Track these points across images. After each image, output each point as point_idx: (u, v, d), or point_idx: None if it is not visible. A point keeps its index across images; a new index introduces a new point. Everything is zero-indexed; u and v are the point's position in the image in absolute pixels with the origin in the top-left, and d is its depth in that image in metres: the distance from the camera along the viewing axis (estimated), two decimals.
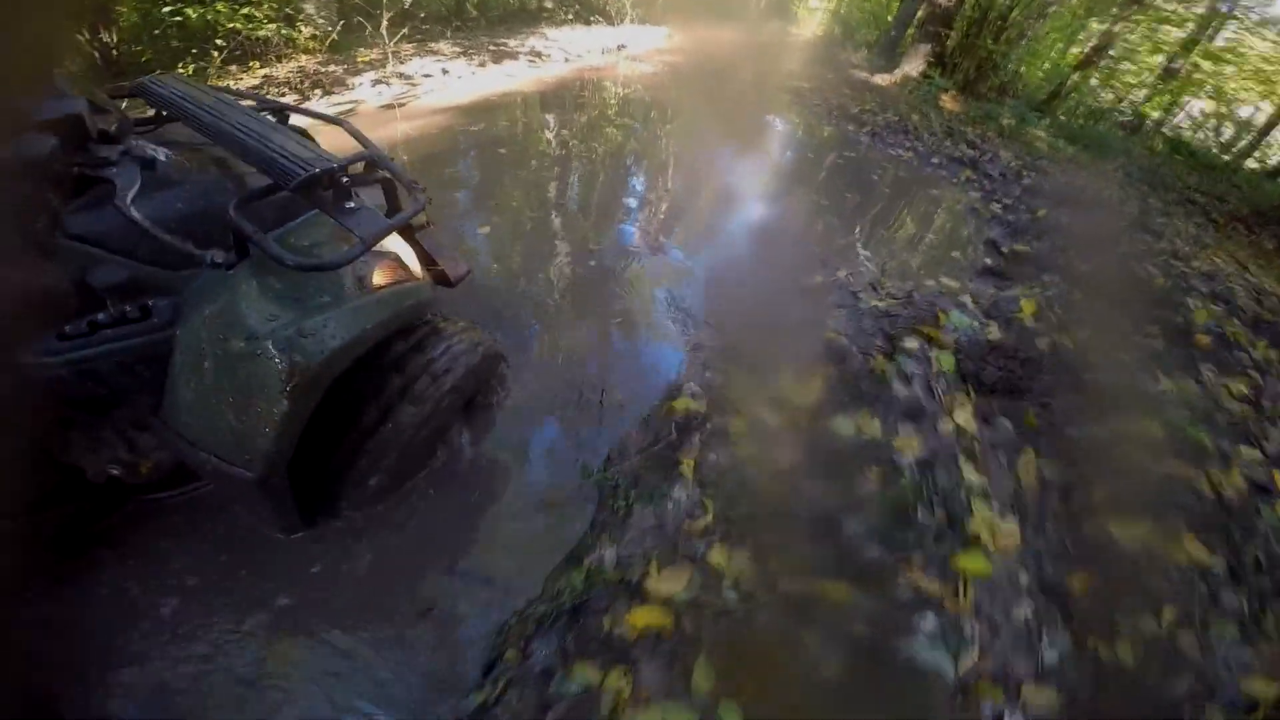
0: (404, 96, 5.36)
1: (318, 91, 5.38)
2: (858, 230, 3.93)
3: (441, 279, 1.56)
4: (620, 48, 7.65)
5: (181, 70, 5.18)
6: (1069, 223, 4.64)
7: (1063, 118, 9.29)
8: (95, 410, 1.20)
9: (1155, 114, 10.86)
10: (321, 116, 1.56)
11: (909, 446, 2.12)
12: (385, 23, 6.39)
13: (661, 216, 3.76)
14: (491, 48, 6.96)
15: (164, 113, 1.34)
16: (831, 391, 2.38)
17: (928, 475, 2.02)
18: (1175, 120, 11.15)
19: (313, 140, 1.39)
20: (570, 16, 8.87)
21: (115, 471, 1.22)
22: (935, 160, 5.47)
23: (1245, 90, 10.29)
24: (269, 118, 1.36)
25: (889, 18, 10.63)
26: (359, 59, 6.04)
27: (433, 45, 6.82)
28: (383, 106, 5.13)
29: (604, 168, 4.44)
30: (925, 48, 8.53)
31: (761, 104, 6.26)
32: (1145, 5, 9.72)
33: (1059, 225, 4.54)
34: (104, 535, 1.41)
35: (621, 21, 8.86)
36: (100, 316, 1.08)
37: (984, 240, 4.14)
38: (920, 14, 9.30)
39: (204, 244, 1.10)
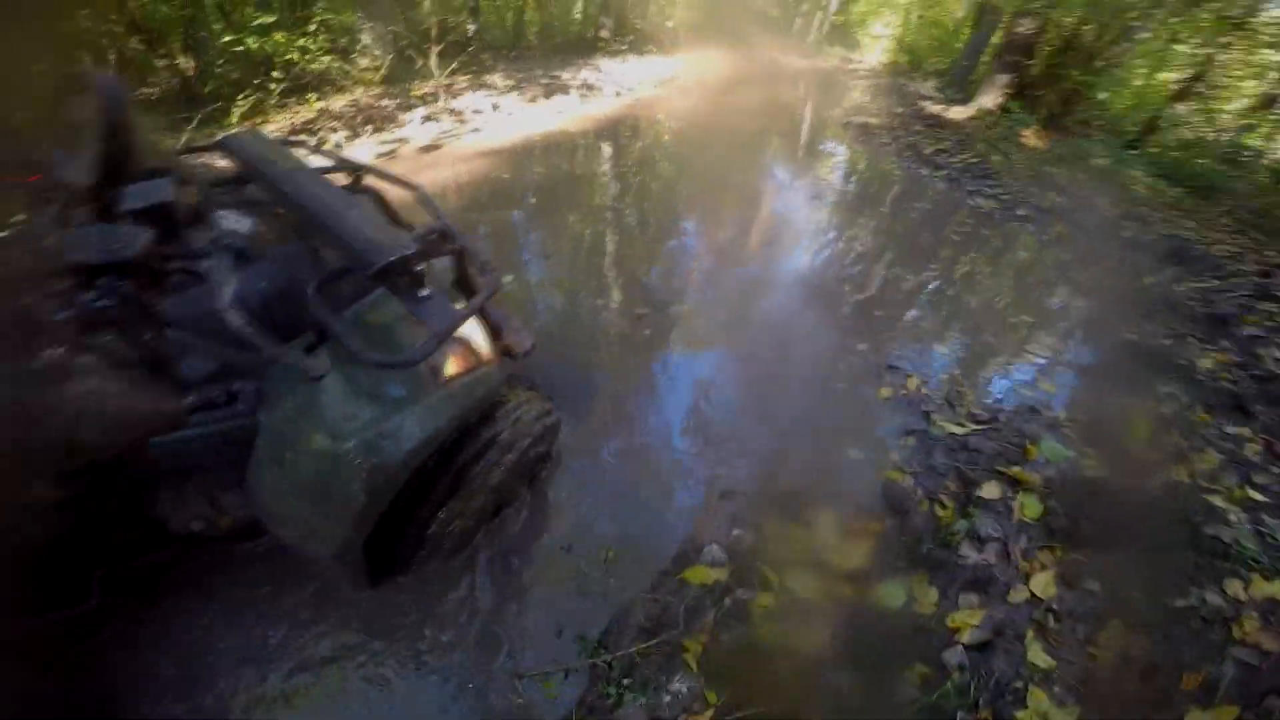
0: (450, 134, 5.12)
1: (369, 127, 5.22)
2: (932, 310, 3.38)
3: (507, 352, 1.53)
4: (672, 79, 7.29)
5: (242, 101, 5.10)
6: (1182, 293, 3.95)
7: (1154, 151, 8.39)
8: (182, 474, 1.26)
9: (1255, 143, 9.72)
10: (397, 180, 1.49)
11: (967, 625, 1.72)
12: (435, 56, 6.23)
13: (704, 289, 3.29)
14: (544, 80, 6.71)
15: (244, 175, 1.32)
16: (884, 551, 1.94)
17: (980, 671, 1.62)
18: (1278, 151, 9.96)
19: (385, 202, 1.40)
20: (625, 47, 8.58)
21: (198, 527, 1.28)
22: (1021, 211, 4.83)
23: None
24: (343, 186, 1.34)
25: (959, 45, 9.96)
26: (412, 92, 5.86)
27: (486, 77, 6.63)
28: (427, 147, 4.90)
29: (646, 224, 4.02)
30: (1003, 78, 7.83)
31: (824, 144, 5.76)
32: (1245, 28, 8.74)
33: (1171, 297, 3.86)
34: (188, 579, 1.47)
35: (675, 50, 8.53)
36: (188, 401, 1.10)
37: (1083, 322, 3.51)
38: (997, 41, 8.61)
39: (285, 321, 1.12)
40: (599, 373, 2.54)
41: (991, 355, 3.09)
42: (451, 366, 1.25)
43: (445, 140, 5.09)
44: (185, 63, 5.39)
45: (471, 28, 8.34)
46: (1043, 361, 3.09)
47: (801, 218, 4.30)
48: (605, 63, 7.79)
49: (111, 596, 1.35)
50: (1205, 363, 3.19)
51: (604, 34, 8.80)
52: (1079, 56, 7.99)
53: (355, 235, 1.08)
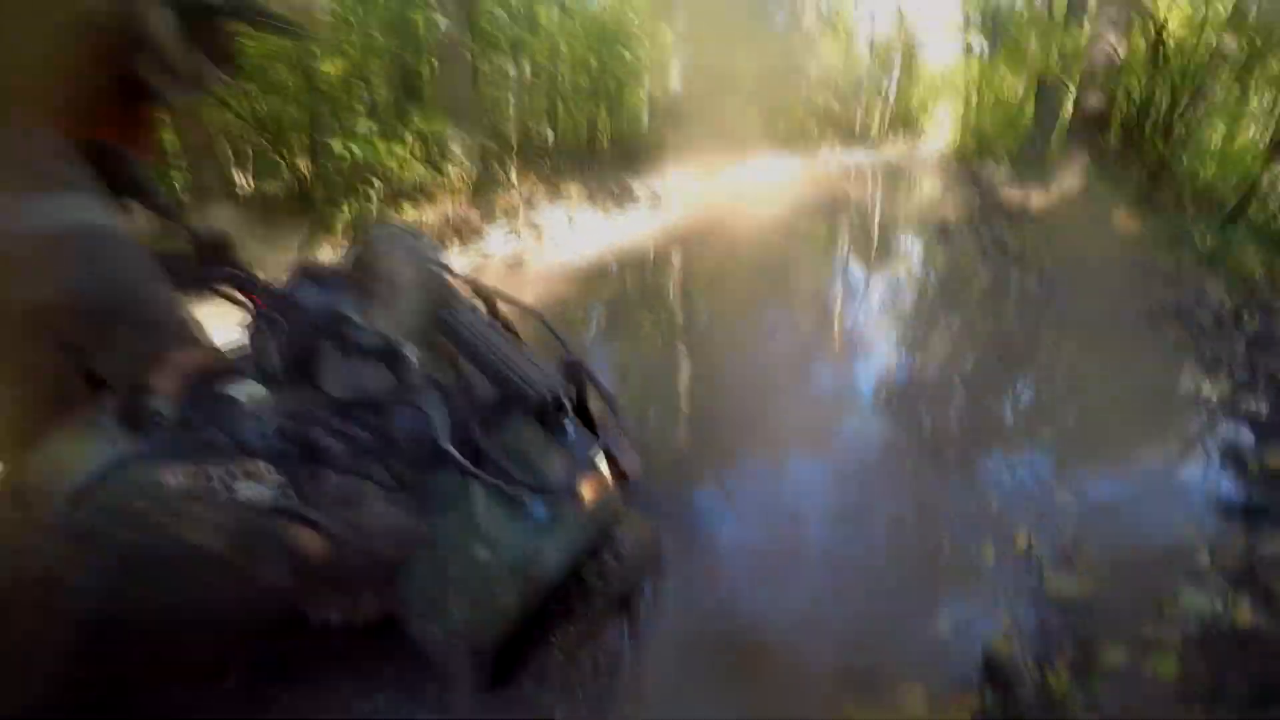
0: (531, 251, 5.37)
1: (456, 240, 5.54)
2: (1043, 443, 3.07)
3: (621, 475, 1.48)
4: (739, 184, 7.45)
5: (346, 209, 5.35)
6: None
7: (1259, 220, 7.68)
8: None
9: None
10: (525, 308, 1.52)
11: None
12: (515, 173, 6.59)
13: (777, 417, 3.11)
14: (615, 189, 7.03)
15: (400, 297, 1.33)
16: None
17: None
18: None
19: (513, 328, 1.44)
20: (694, 153, 8.91)
21: (335, 619, 1.20)
22: (1128, 314, 4.45)
23: None
24: (484, 312, 1.41)
25: (1026, 123, 9.74)
26: (496, 203, 6.20)
27: (563, 186, 6.99)
28: (512, 264, 5.12)
29: (720, 341, 3.97)
30: (1081, 156, 7.53)
31: (901, 246, 5.62)
32: None
33: None
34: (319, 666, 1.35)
35: (741, 154, 8.77)
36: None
37: (1220, 446, 3.08)
38: (1067, 117, 8.35)
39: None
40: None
41: (1118, 494, 2.72)
42: (587, 493, 1.29)
43: (527, 256, 5.32)
44: (304, 163, 5.73)
45: (550, 134, 8.92)
46: (1180, 500, 2.69)
47: (882, 333, 4.13)
48: (672, 170, 8.11)
49: (246, 676, 1.25)
50: None
51: (676, 140, 9.22)
52: (1156, 126, 7.58)
53: (515, 372, 1.18)
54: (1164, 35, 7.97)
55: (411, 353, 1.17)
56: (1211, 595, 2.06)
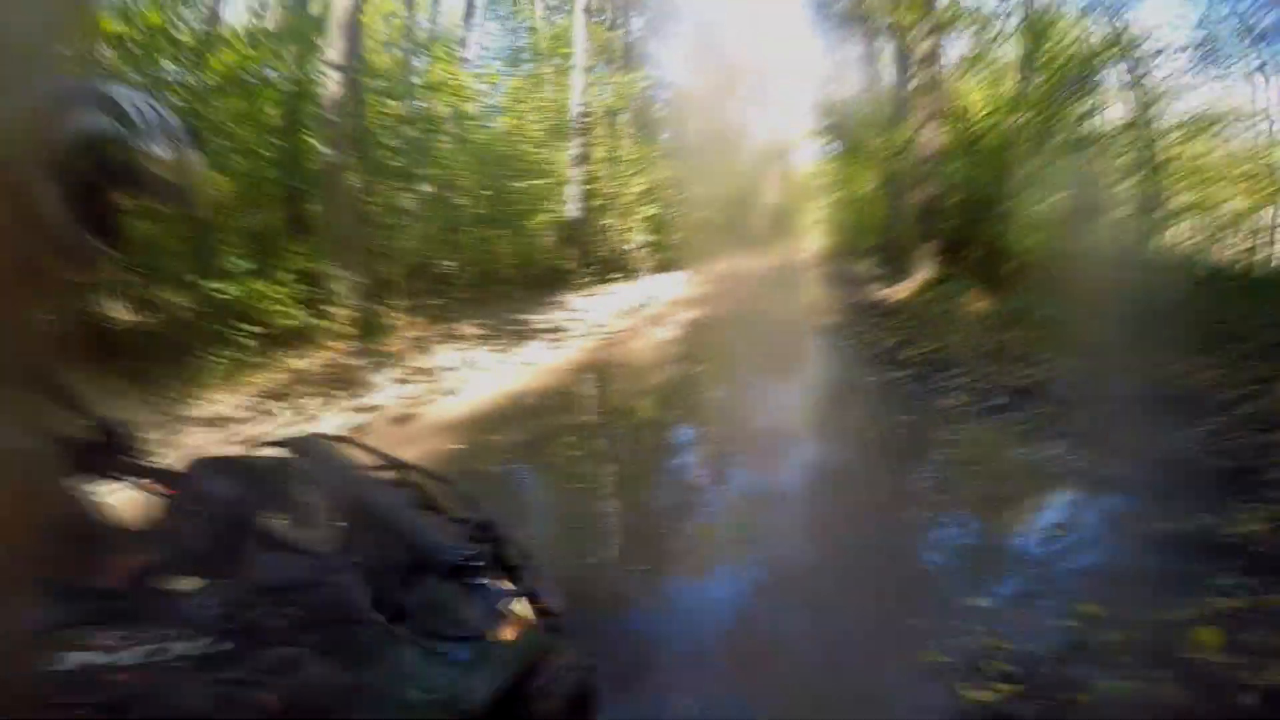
0: (423, 400, 5.07)
1: (343, 392, 5.15)
2: (939, 553, 3.06)
3: (544, 612, 1.60)
4: (639, 307, 7.66)
5: (221, 357, 4.87)
6: (1201, 449, 3.68)
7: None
8: None
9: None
10: (437, 477, 1.65)
11: None
12: (402, 315, 6.24)
13: (689, 553, 3.04)
14: (512, 326, 6.98)
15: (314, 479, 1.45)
16: None
17: None
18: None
19: (426, 492, 1.54)
20: (587, 278, 9.16)
21: None
22: (998, 400, 4.74)
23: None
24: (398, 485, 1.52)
25: (881, 216, 10.69)
26: (383, 348, 5.88)
27: (455, 327, 6.77)
28: (400, 417, 4.80)
29: (618, 474, 3.86)
30: (929, 246, 8.25)
31: (791, 364, 5.84)
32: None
33: (1197, 461, 3.56)
34: None
35: (638, 274, 9.14)
36: None
37: (1106, 517, 3.18)
38: (913, 210, 9.10)
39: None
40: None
41: (1017, 593, 2.67)
42: (508, 634, 1.44)
43: (418, 408, 5.01)
44: (179, 300, 5.07)
45: (451, 265, 8.56)
46: (1074, 584, 2.69)
47: (779, 440, 4.12)
48: (573, 298, 8.25)
49: None
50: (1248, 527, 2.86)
51: (570, 265, 9.47)
52: (980, 207, 8.38)
53: (423, 540, 1.32)
54: (968, 122, 9.21)
55: (326, 540, 1.27)
56: (1124, 677, 1.98)
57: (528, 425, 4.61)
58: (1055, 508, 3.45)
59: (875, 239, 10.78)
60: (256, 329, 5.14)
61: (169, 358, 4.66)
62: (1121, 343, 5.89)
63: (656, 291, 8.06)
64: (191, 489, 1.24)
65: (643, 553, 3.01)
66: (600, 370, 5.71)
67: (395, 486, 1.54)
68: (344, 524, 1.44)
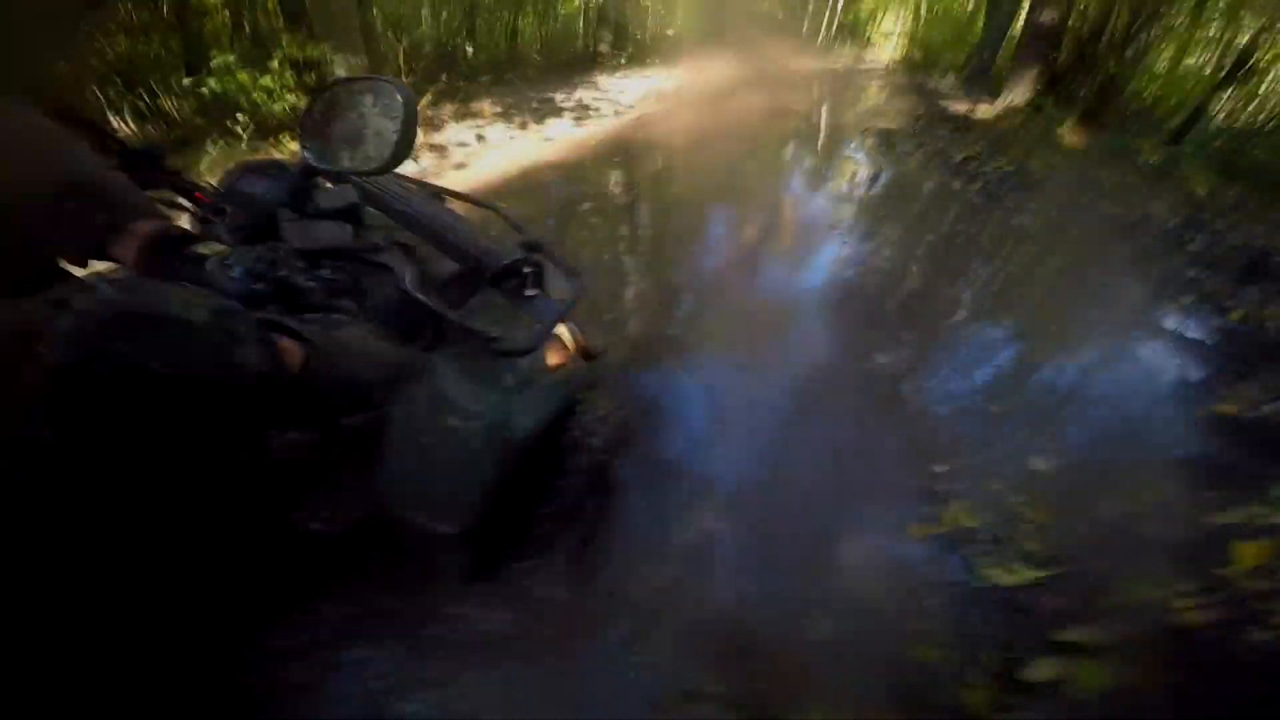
0: (429, 174, 4.52)
1: None
2: (981, 388, 2.63)
3: (586, 355, 1.57)
4: (675, 91, 6.57)
5: (211, 147, 4.61)
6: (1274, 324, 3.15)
7: (1201, 144, 7.38)
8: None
9: None
10: (478, 203, 1.56)
11: None
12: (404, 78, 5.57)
13: (728, 330, 2.69)
14: (536, 104, 6.08)
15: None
16: None
17: None
18: None
19: (469, 222, 1.41)
20: (624, 61, 7.88)
21: (316, 528, 1.22)
22: (1074, 230, 4.04)
23: None
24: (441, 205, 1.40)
25: (974, 38, 9.05)
26: None
27: (474, 104, 6.01)
28: None
29: (657, 248, 3.42)
30: (1031, 71, 6.94)
31: (842, 156, 5.01)
32: None
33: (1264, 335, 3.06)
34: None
35: (677, 61, 7.80)
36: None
37: (1169, 387, 2.73)
38: (1018, 32, 7.72)
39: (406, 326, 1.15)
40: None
41: (1058, 453, 2.27)
42: (553, 359, 1.36)
43: (427, 178, 4.47)
44: (168, 104, 4.96)
45: (469, 49, 7.74)
46: (1126, 454, 2.32)
47: (829, 236, 3.59)
48: (604, 80, 7.12)
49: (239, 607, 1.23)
50: None
51: (602, 48, 8.13)
52: (1110, 44, 7.07)
53: (472, 245, 1.21)
54: None
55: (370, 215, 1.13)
56: (1158, 582, 1.68)
57: (538, 197, 4.07)
58: (1112, 358, 2.98)
59: (959, 56, 9.12)
60: (245, 119, 4.77)
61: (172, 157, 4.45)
62: (1227, 207, 5.01)
63: (697, 79, 6.90)
64: (225, 187, 1.09)
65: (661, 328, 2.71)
66: (625, 148, 4.97)
67: (438, 203, 1.36)
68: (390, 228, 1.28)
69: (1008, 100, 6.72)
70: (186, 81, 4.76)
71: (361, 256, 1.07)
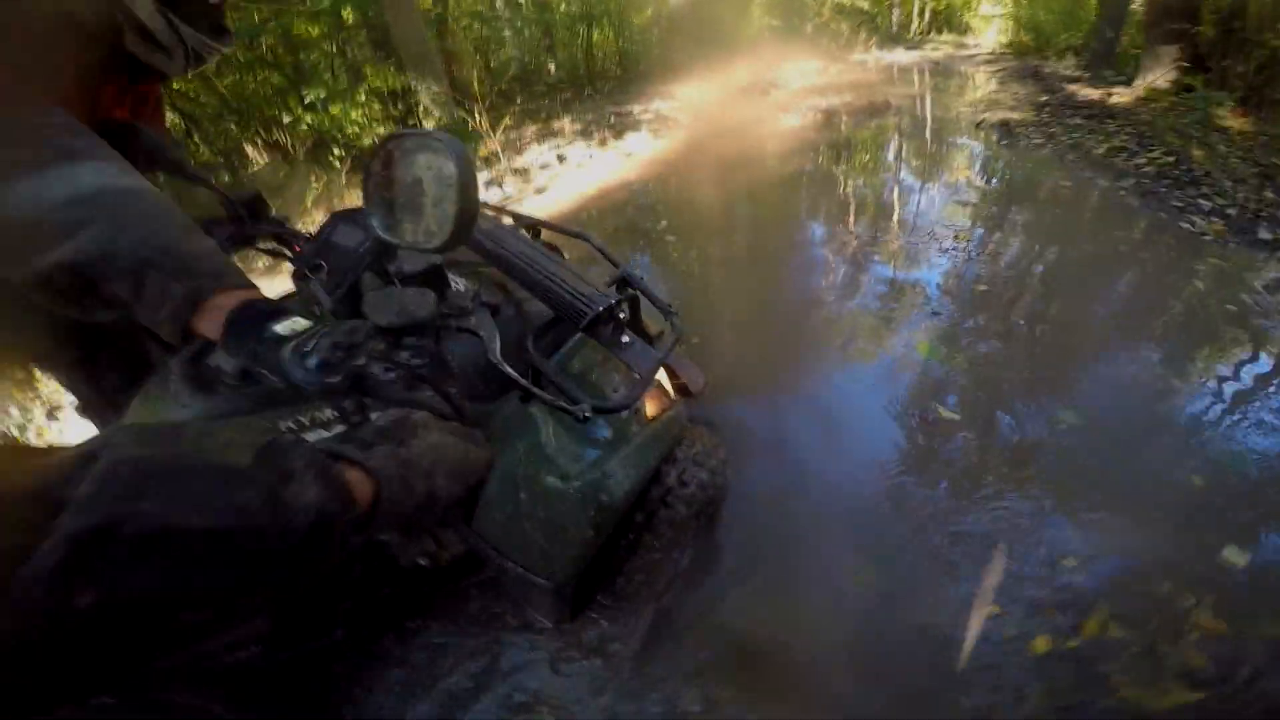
0: (512, 200, 4.38)
1: None
2: (1144, 450, 2.07)
3: (684, 391, 1.49)
4: (765, 94, 6.13)
5: (315, 185, 4.70)
6: None
7: None
8: None
9: None
10: (568, 232, 1.42)
11: None
12: (486, 113, 5.48)
13: (829, 348, 2.41)
14: (614, 119, 5.87)
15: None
16: None
17: None
18: None
19: (563, 255, 1.35)
20: (699, 66, 7.51)
21: (423, 562, 1.32)
22: (1264, 233, 3.28)
23: None
24: (532, 240, 1.33)
25: (1090, 16, 7.99)
26: (478, 153, 5.20)
27: (555, 124, 5.88)
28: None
29: (746, 265, 3.10)
30: (1170, 49, 5.98)
31: (959, 153, 4.41)
32: None
33: None
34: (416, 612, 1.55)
35: (759, 61, 7.33)
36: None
37: None
38: (1141, 6, 6.70)
39: (501, 383, 1.09)
40: None
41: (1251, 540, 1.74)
42: (651, 408, 1.29)
43: (509, 206, 4.34)
44: (281, 137, 5.14)
45: (551, 66, 7.69)
46: None
47: (942, 248, 3.09)
48: (680, 88, 6.82)
49: (353, 629, 1.35)
50: None
51: (679, 57, 7.80)
52: (1264, 13, 5.96)
53: (565, 288, 1.11)
54: None
55: (455, 275, 1.09)
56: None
57: (618, 218, 3.81)
58: None
59: (1075, 36, 8.08)
60: (340, 152, 4.98)
61: (273, 193, 4.52)
62: None
63: (789, 76, 6.41)
64: (320, 238, 1.09)
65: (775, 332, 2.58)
66: (712, 157, 4.63)
67: (530, 241, 1.29)
68: (471, 269, 1.23)
69: (1148, 82, 5.80)
70: (287, 119, 4.90)
71: (445, 324, 1.00)
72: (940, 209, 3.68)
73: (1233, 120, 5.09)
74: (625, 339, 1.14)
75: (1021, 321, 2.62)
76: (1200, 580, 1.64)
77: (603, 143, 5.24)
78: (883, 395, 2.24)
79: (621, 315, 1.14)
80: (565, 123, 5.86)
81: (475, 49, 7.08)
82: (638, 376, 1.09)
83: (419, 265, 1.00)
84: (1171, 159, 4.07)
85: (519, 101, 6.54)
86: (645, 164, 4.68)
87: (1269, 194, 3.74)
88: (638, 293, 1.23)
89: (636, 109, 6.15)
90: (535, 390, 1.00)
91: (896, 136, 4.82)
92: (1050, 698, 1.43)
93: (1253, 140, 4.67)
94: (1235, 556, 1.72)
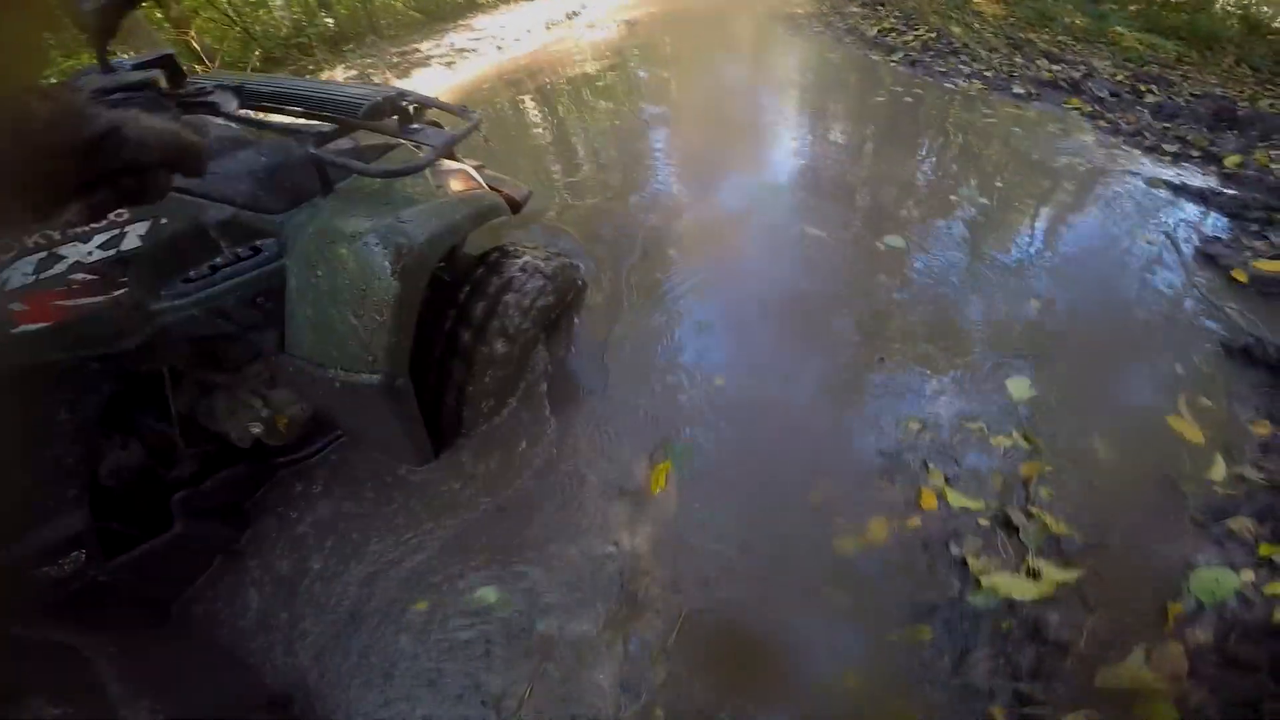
0: None
1: None
2: (958, 295, 1.81)
3: (509, 203, 1.44)
4: (573, 15, 5.43)
5: None
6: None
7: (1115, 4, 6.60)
8: (230, 364, 1.26)
9: None
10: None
11: None
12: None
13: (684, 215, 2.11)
14: (397, 59, 4.95)
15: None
16: None
17: None
18: None
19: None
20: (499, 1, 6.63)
21: (256, 430, 1.25)
22: (1018, 89, 3.20)
23: None
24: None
25: None
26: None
27: (323, 75, 4.86)
28: None
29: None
30: None
31: (753, 44, 4.07)
32: None
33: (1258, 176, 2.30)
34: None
35: None
36: (217, 260, 1.11)
37: (1191, 256, 1.91)
38: None
39: (289, 194, 1.16)
40: None
41: (1071, 386, 1.50)
42: (456, 184, 1.30)
43: None
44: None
45: (329, 22, 6.47)
46: (1143, 375, 1.53)
47: (740, 172, 2.71)
48: (482, 20, 5.95)
49: (191, 522, 1.22)
50: None
51: None
52: None
53: (341, 93, 1.12)
54: None
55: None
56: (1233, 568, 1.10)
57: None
58: (1089, 207, 2.20)
59: None
60: None
61: None
62: (1171, 61, 4.25)
63: (591, 1, 5.77)
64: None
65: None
66: (513, 76, 3.95)
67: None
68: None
69: None
70: None
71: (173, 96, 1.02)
72: (736, 89, 3.31)
73: (986, 4, 5.19)
74: (415, 126, 1.16)
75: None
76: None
77: (385, 84, 4.36)
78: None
79: (411, 109, 1.16)
80: (336, 72, 4.85)
81: (232, 17, 5.75)
82: (429, 149, 1.10)
83: (148, 57, 1.04)
84: (933, 35, 3.97)
85: (290, 68, 5.39)
86: (444, 92, 3.89)
87: (1018, 59, 3.74)
88: (419, 101, 1.22)
89: (427, 46, 5.24)
90: (337, 161, 1.05)
91: (698, 36, 4.37)
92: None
93: (1003, 19, 4.76)
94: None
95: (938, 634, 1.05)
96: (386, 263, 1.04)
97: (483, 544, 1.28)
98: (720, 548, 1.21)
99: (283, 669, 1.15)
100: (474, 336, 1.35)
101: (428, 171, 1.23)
